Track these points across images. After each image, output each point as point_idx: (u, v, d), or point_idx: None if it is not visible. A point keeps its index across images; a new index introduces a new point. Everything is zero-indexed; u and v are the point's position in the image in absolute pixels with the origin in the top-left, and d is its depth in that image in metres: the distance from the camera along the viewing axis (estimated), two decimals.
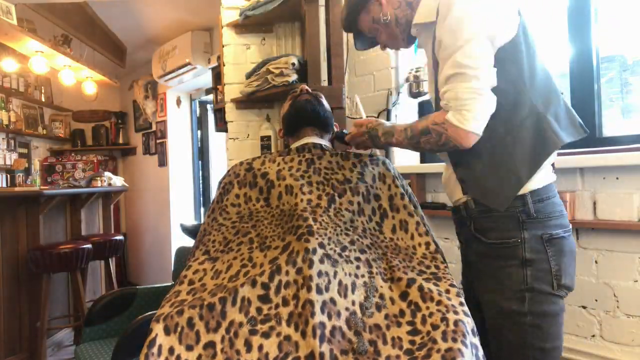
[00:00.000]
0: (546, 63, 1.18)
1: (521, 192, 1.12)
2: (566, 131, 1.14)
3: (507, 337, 1.14)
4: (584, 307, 1.64)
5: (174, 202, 4.67)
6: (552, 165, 1.21)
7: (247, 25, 2.60)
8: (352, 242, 1.12)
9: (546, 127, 1.11)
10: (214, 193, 1.38)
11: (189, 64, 3.77)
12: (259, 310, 0.95)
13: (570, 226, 1.17)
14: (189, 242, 1.48)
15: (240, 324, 0.93)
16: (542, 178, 1.14)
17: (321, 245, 1.05)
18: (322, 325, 0.92)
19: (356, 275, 1.04)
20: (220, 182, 1.37)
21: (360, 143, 1.37)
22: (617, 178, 1.56)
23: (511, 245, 1.13)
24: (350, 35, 1.38)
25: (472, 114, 1.05)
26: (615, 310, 1.56)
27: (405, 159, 2.29)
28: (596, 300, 1.61)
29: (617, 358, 1.55)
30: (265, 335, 0.91)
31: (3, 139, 4.32)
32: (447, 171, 1.32)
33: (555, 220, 1.13)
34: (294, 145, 1.40)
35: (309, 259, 1.01)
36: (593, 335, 1.61)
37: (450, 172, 1.28)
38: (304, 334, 0.90)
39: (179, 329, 0.90)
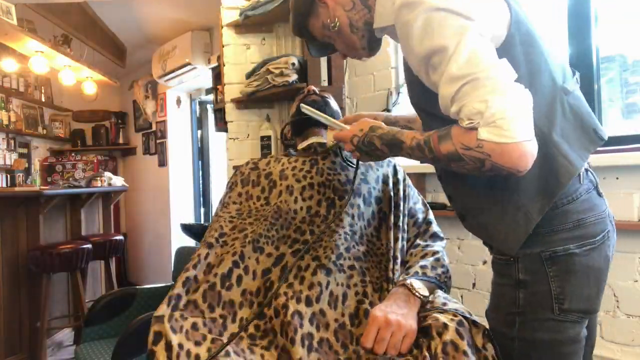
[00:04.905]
0: (550, 53, 0.94)
1: None
2: (578, 149, 0.92)
3: None
4: None
5: (174, 202, 4.66)
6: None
7: (247, 25, 2.60)
8: (347, 249, 1.13)
9: (555, 153, 0.89)
10: (213, 193, 1.38)
11: (189, 64, 3.76)
12: (257, 327, 1.00)
13: (599, 237, 0.93)
14: (189, 242, 1.48)
15: (241, 337, 0.97)
16: None
17: (315, 258, 1.07)
18: (310, 336, 0.96)
19: (348, 286, 1.06)
20: (228, 182, 1.39)
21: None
22: (617, 178, 1.56)
23: (503, 262, 0.97)
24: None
25: (509, 119, 0.76)
26: (615, 310, 1.56)
27: (404, 159, 2.29)
28: None
29: (617, 358, 1.55)
30: (265, 348, 0.96)
31: (3, 139, 4.32)
32: None
33: (566, 233, 0.91)
34: (300, 146, 1.40)
35: (301, 275, 1.05)
36: None
37: None
38: (292, 342, 0.94)
39: (184, 330, 0.94)
